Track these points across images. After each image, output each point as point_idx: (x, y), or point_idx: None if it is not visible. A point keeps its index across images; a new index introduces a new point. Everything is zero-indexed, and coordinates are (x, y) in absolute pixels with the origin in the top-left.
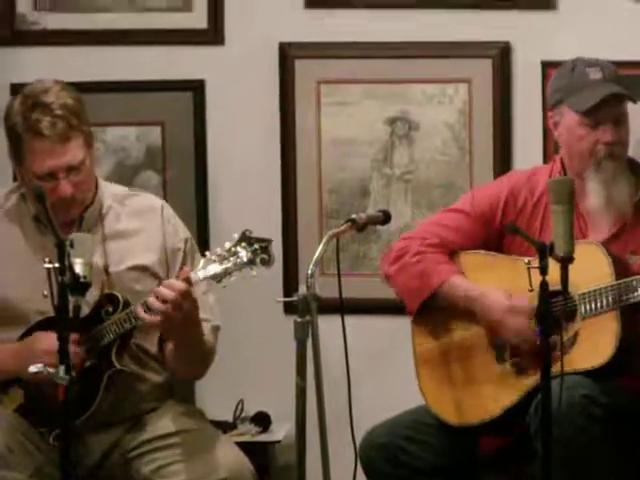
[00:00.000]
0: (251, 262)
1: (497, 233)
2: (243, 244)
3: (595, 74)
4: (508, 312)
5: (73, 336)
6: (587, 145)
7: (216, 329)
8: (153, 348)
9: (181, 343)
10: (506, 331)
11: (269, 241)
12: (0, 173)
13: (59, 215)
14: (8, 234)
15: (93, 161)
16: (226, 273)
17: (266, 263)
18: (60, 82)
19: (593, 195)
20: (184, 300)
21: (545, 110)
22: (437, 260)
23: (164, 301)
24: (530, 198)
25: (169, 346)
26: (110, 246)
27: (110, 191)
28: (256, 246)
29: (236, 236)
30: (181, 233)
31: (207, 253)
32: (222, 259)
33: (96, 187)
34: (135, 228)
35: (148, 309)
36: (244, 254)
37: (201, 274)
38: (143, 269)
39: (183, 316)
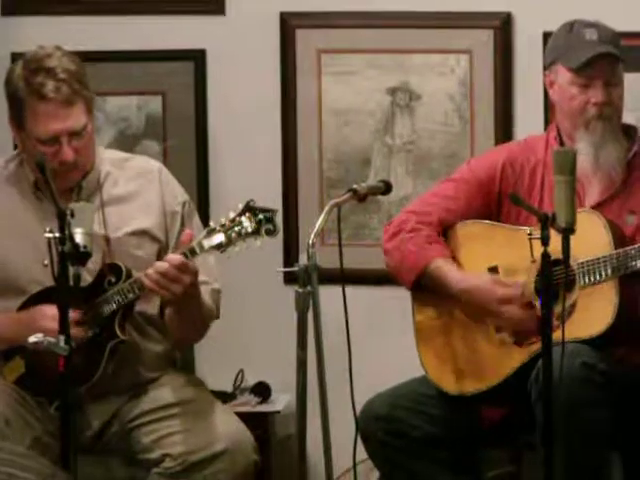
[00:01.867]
0: (256, 232)
1: (496, 201)
2: (247, 214)
3: (591, 35)
4: (502, 303)
5: (76, 314)
6: (578, 104)
7: (216, 292)
8: (154, 311)
9: (181, 309)
10: (505, 322)
11: (274, 211)
12: (1, 144)
13: (59, 181)
14: (7, 201)
15: (94, 128)
16: (230, 243)
17: (271, 233)
18: (61, 48)
19: (582, 156)
20: (183, 274)
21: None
22: (428, 239)
23: (162, 274)
24: (527, 165)
25: (169, 311)
26: (109, 212)
27: (107, 157)
28: (261, 216)
29: (240, 206)
30: (179, 196)
31: (211, 223)
32: (226, 229)
33: (94, 154)
34: (133, 191)
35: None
36: (248, 224)
37: (205, 243)
38: (142, 233)
39: (184, 288)
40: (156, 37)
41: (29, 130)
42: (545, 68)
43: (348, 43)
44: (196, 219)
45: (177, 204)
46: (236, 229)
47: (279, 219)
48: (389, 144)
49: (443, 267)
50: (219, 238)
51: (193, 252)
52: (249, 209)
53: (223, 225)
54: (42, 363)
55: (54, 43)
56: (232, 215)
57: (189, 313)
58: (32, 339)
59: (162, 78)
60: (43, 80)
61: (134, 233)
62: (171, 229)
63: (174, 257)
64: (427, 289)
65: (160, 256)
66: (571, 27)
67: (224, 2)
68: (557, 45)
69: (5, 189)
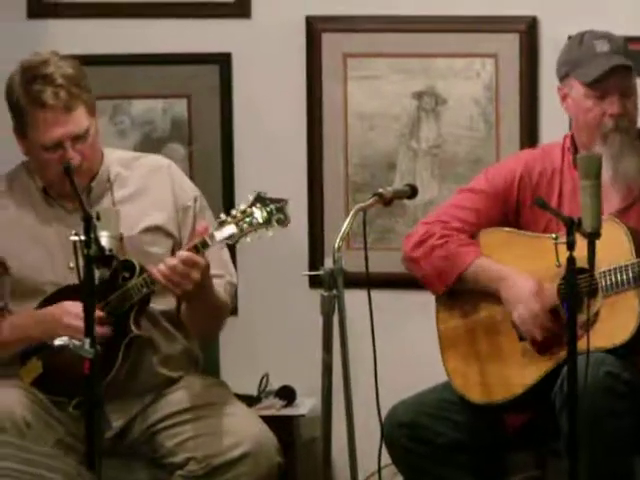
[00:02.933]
0: (267, 222)
1: (514, 210)
2: (258, 205)
3: (602, 46)
4: (532, 295)
5: (99, 313)
6: (594, 117)
7: (231, 285)
8: (172, 306)
9: (194, 304)
10: (523, 313)
11: (285, 201)
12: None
13: (66, 185)
14: (19, 209)
15: (97, 130)
16: (242, 234)
17: (282, 223)
18: (57, 53)
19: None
20: (191, 269)
21: None
22: (463, 242)
23: (171, 269)
24: (544, 174)
25: (183, 305)
26: (122, 211)
27: (116, 157)
28: (272, 206)
29: (251, 197)
30: (190, 191)
31: (222, 215)
32: (238, 220)
33: (102, 156)
34: (144, 189)
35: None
36: (259, 214)
37: (217, 235)
38: (156, 229)
39: (192, 284)
40: (182, 40)
41: (33, 138)
42: (559, 81)
43: (374, 47)
44: (208, 213)
45: (189, 199)
46: (247, 220)
47: (302, 223)
48: (414, 148)
49: (485, 263)
50: (231, 229)
51: (205, 244)
52: (260, 200)
53: (234, 217)
54: (60, 363)
55: (80, 46)
56: (243, 206)
57: (202, 307)
58: (58, 342)
59: (187, 81)
60: (41, 87)
61: (148, 229)
62: (184, 224)
63: (182, 252)
64: (461, 291)
65: (174, 252)
66: (581, 39)
67: (250, 6)
68: (569, 58)
69: (16, 197)
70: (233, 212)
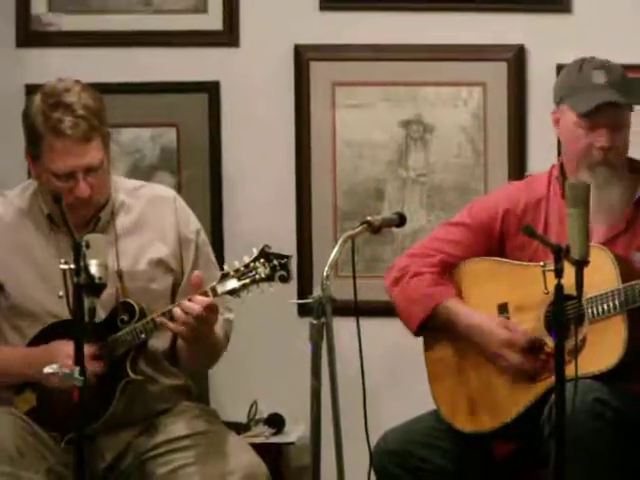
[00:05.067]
0: (269, 278)
1: (498, 243)
2: (262, 260)
3: (598, 78)
4: (504, 346)
5: (92, 348)
6: (582, 147)
7: (228, 322)
8: (166, 345)
9: (194, 345)
10: (503, 364)
11: (288, 257)
12: (15, 171)
13: (73, 215)
14: (22, 232)
15: (110, 162)
16: (244, 289)
17: (285, 280)
18: (80, 82)
19: None
20: (210, 313)
21: None
22: (433, 282)
23: (194, 317)
24: (529, 204)
25: (181, 344)
26: (124, 243)
27: (123, 186)
28: (275, 262)
29: (255, 251)
30: (192, 224)
31: (225, 267)
32: (240, 274)
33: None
34: (147, 219)
35: (173, 319)
36: (262, 270)
37: (219, 289)
38: (158, 262)
39: (210, 327)
40: (170, 69)
41: (45, 164)
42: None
43: (362, 76)
44: (208, 248)
45: (190, 232)
46: (250, 275)
47: (290, 251)
48: (403, 176)
49: (451, 307)
50: (232, 284)
51: (205, 294)
52: (263, 254)
53: (237, 270)
54: (52, 399)
55: (68, 75)
56: (246, 260)
57: (202, 347)
58: (47, 370)
59: (176, 110)
60: (61, 116)
61: (149, 263)
62: (185, 257)
63: (203, 299)
64: (434, 330)
65: (175, 289)
66: (581, 66)
67: (238, 34)
68: (565, 84)
69: (20, 219)
70: (236, 265)
